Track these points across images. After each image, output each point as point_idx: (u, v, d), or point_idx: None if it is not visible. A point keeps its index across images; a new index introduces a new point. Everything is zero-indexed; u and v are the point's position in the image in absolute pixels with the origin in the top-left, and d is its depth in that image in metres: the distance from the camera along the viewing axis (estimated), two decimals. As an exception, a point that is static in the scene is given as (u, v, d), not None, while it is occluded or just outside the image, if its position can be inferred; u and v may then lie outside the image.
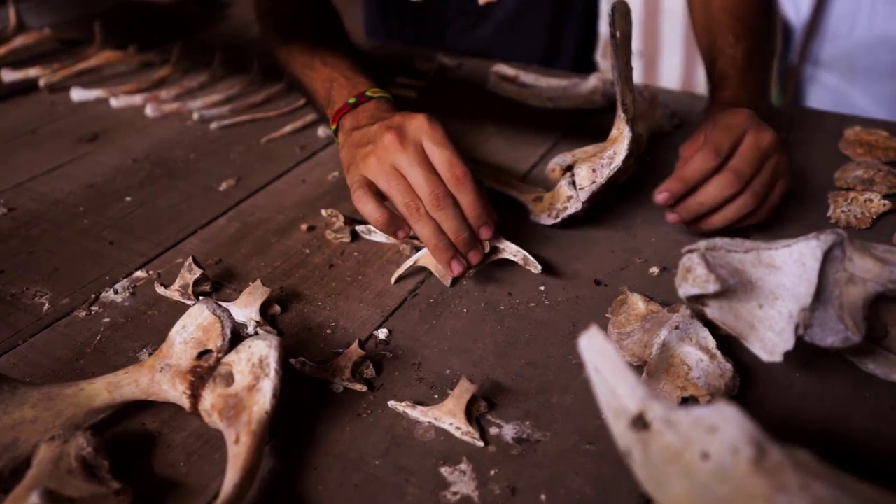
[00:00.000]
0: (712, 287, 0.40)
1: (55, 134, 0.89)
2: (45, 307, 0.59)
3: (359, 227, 0.67)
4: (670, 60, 2.42)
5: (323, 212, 0.69)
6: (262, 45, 1.13)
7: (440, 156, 0.56)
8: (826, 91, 1.34)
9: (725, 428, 0.29)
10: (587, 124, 0.87)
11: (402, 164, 0.56)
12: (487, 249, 0.60)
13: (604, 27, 1.29)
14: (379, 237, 0.66)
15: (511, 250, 0.60)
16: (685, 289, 0.41)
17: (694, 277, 0.41)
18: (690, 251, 0.42)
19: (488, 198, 0.58)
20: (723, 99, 0.68)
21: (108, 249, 0.66)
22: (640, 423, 0.32)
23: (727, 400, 0.30)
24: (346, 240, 0.66)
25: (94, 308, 0.59)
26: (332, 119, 0.68)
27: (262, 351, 0.45)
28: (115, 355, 0.54)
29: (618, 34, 0.60)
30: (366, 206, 0.56)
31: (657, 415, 0.31)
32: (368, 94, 0.67)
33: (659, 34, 2.40)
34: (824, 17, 1.30)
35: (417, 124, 0.57)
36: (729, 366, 0.47)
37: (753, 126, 0.60)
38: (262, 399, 0.43)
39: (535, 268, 0.60)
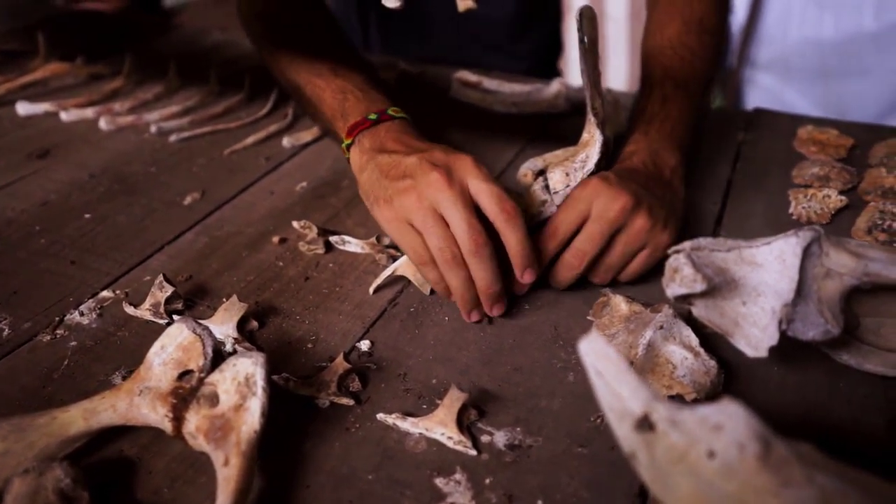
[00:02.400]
0: (699, 286, 0.41)
1: (2, 150, 0.85)
2: (6, 333, 0.56)
3: (332, 238, 0.66)
4: (616, 64, 2.48)
5: (295, 223, 0.68)
6: (221, 54, 1.11)
7: (489, 192, 0.53)
8: (763, 92, 1.39)
9: (731, 425, 0.30)
10: (552, 128, 0.88)
11: (444, 205, 0.52)
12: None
13: (566, 35, 1.31)
14: (353, 248, 0.65)
15: None
16: (673, 289, 0.42)
17: (681, 277, 0.41)
18: (676, 251, 0.43)
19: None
20: (629, 144, 0.67)
21: (70, 269, 0.64)
22: (645, 424, 0.32)
23: (731, 398, 0.30)
24: (321, 251, 0.65)
25: (59, 331, 0.56)
26: (347, 133, 0.65)
27: (247, 369, 0.43)
28: (86, 380, 0.52)
29: (585, 39, 0.61)
30: (429, 274, 0.55)
31: (662, 415, 0.32)
32: (391, 112, 0.64)
33: (604, 39, 2.45)
34: (759, 21, 1.35)
35: (463, 165, 0.54)
36: (713, 362, 0.48)
37: (602, 195, 0.55)
38: (251, 419, 0.42)
39: None
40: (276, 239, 0.67)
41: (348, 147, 0.65)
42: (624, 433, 0.33)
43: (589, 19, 0.61)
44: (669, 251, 0.44)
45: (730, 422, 0.30)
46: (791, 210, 0.69)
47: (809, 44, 1.52)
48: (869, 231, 0.65)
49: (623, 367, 0.33)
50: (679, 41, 0.76)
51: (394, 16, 1.15)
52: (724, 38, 0.80)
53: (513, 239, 0.53)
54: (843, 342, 0.48)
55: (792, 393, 0.50)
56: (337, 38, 0.80)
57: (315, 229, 0.66)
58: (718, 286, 0.42)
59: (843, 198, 0.70)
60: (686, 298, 0.43)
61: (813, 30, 1.50)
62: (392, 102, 0.67)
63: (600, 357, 0.33)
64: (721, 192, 0.75)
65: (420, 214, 0.53)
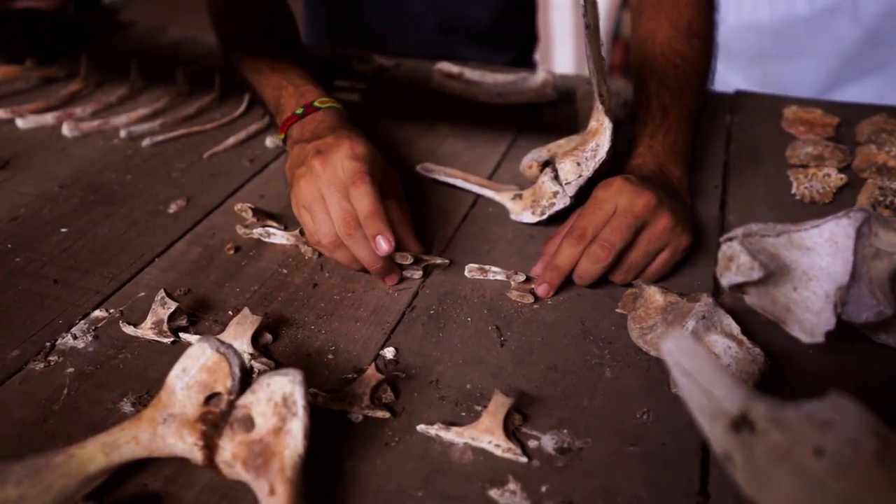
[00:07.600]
0: (756, 274, 0.40)
1: (-44, 163, 0.78)
2: (-9, 363, 0.51)
3: (257, 230, 0.64)
4: (562, 50, 2.52)
5: (236, 207, 0.65)
6: (184, 52, 1.05)
7: (356, 197, 0.56)
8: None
9: (842, 422, 0.29)
10: (541, 118, 0.87)
11: (323, 191, 0.57)
12: (409, 260, 0.59)
13: (542, 27, 1.29)
14: (279, 239, 0.64)
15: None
16: (728, 278, 0.41)
17: (738, 266, 0.40)
18: (729, 239, 0.42)
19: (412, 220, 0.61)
20: (634, 157, 0.67)
21: (54, 289, 0.59)
22: (743, 424, 0.30)
23: (839, 393, 0.29)
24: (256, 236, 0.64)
25: (53, 358, 0.52)
26: (280, 128, 0.69)
27: (284, 388, 0.40)
28: (91, 409, 0.48)
29: (590, 24, 0.59)
30: (342, 258, 0.58)
31: (761, 414, 0.30)
32: (316, 104, 0.67)
33: (551, 26, 2.47)
34: None
35: (339, 152, 0.57)
36: (758, 350, 0.47)
37: (626, 192, 0.55)
38: (294, 442, 0.39)
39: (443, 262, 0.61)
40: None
41: (284, 142, 0.68)
42: (717, 435, 0.32)
43: (592, 4, 0.60)
44: (721, 239, 0.42)
45: (840, 418, 0.29)
46: (794, 190, 0.70)
47: (747, 28, 1.55)
48: (872, 207, 0.66)
49: (714, 366, 0.31)
50: (670, 47, 0.75)
51: (367, 8, 1.11)
52: (713, 41, 0.80)
53: (369, 237, 0.55)
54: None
55: (831, 375, 0.49)
56: (282, 32, 0.83)
57: (250, 212, 0.64)
58: (772, 272, 0.41)
59: (842, 176, 0.70)
60: (740, 287, 0.42)
61: (750, 14, 1.54)
62: (324, 93, 0.69)
63: (687, 356, 0.31)
64: (719, 174, 0.74)
65: (309, 200, 0.57)
